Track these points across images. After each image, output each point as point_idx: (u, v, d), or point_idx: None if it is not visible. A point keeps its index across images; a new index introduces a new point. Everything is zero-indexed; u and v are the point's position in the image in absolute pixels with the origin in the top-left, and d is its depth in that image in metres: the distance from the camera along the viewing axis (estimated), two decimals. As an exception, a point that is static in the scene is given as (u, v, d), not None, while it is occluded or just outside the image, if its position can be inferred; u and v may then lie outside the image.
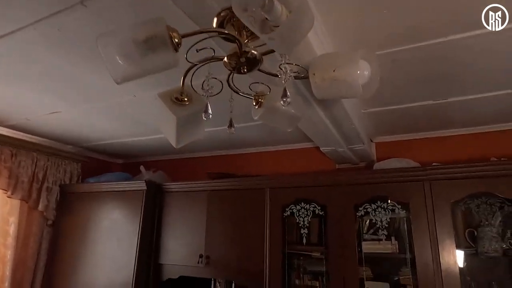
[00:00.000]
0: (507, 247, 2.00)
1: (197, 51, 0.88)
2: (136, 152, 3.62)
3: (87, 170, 3.49)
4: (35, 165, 3.01)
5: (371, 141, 2.77)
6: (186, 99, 1.06)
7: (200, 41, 0.84)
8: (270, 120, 1.19)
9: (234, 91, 1.09)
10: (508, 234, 2.03)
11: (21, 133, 2.93)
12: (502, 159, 2.13)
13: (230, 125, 1.05)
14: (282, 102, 0.81)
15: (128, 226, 2.82)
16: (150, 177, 3.19)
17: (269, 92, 1.13)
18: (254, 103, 1.17)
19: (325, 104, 1.59)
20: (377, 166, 2.51)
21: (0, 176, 2.76)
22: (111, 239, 2.87)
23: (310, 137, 2.30)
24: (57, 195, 3.16)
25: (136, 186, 2.91)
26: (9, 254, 2.81)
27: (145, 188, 2.85)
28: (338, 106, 1.62)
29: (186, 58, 0.89)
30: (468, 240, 2.09)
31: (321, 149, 2.55)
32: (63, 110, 2.39)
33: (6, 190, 2.80)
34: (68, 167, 3.31)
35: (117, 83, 0.79)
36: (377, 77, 0.93)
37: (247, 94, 1.12)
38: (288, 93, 0.80)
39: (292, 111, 1.17)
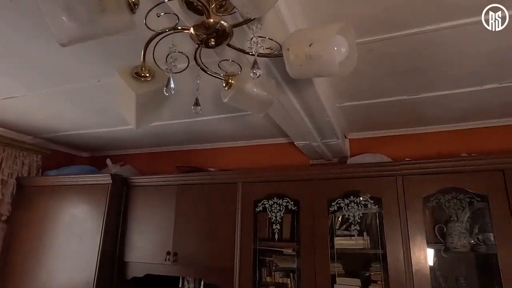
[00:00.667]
0: (475, 243, 2.03)
1: (158, 16, 0.78)
2: (103, 144, 3.43)
3: (49, 163, 3.27)
4: (-11, 156, 2.78)
5: (345, 137, 2.75)
6: (147, 74, 0.96)
7: (161, 2, 0.75)
8: (240, 103, 1.11)
9: (202, 68, 1.00)
10: (476, 230, 2.06)
11: (-27, 121, 2.69)
12: (472, 155, 2.16)
13: (196, 103, 0.96)
14: (251, 74, 0.73)
15: (91, 222, 2.66)
16: (117, 171, 3.03)
17: (240, 72, 1.05)
18: (223, 84, 1.09)
19: (298, 90, 1.53)
20: (350, 161, 2.50)
21: None
22: (72, 236, 2.69)
23: (285, 129, 2.25)
24: (13, 189, 2.94)
25: (100, 179, 2.75)
26: (-44, 251, 2.58)
27: (111, 181, 2.70)
28: (312, 93, 1.56)
29: (145, 24, 0.80)
30: (438, 236, 2.11)
31: (295, 143, 2.50)
32: (20, 95, 2.19)
33: (-46, 182, 2.57)
34: (27, 159, 3.08)
35: (63, 45, 0.69)
36: (354, 54, 0.87)
37: (215, 73, 1.04)
38: (258, 65, 0.72)
39: (264, 93, 1.09)
